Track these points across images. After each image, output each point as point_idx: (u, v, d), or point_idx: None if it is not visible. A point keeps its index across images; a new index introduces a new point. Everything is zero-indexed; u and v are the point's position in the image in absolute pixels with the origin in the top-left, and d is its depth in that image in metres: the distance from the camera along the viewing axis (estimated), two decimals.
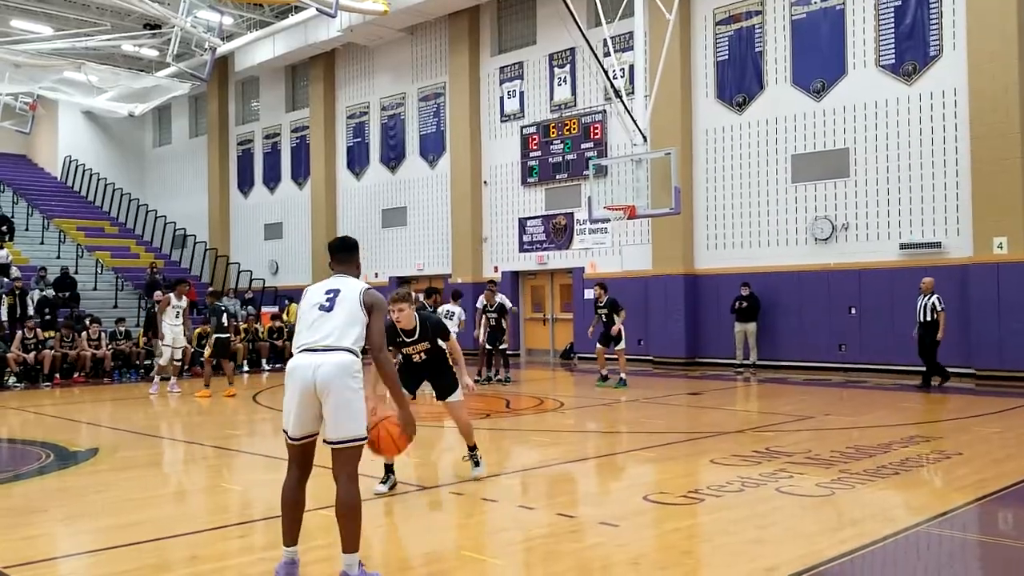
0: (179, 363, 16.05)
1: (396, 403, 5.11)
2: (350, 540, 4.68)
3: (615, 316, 15.24)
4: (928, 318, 14.23)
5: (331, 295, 4.83)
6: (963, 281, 15.57)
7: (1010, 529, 6.37)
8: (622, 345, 15.42)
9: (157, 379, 16.04)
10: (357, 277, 5.04)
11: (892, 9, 16.62)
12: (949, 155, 15.99)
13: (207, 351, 15.55)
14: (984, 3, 15.25)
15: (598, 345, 15.65)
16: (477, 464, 7.56)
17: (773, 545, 5.58)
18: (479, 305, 16.57)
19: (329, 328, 4.72)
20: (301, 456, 4.86)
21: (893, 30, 16.63)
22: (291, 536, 4.78)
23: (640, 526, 6.20)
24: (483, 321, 16.26)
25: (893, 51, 16.65)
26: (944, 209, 16.08)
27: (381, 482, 7.06)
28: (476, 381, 15.25)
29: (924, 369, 14.46)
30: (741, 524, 6.07)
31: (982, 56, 15.31)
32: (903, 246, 16.46)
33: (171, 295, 15.72)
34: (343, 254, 5.12)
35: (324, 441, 4.79)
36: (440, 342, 7.36)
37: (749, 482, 7.24)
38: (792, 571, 4.96)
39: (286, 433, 4.84)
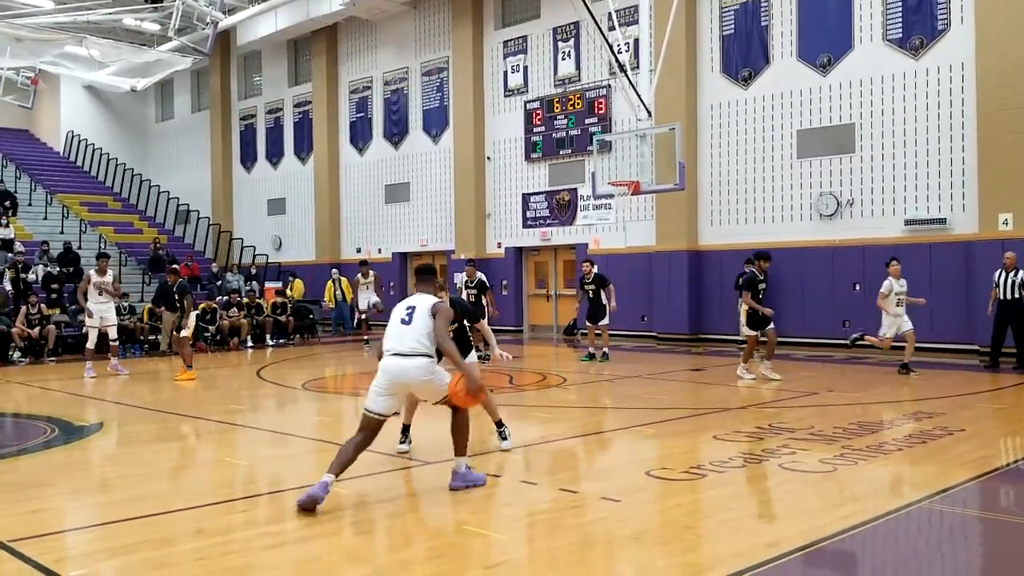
0: (115, 342, 15.29)
1: (460, 370, 6.20)
2: (460, 447, 6.41)
3: (602, 292, 15.47)
4: (1016, 295, 13.40)
5: (410, 310, 6.34)
6: (968, 257, 15.51)
7: (1011, 505, 6.39)
8: (606, 320, 15.61)
9: (89, 364, 14.63)
10: (434, 295, 6.55)
11: None
12: (955, 131, 15.90)
13: (188, 331, 14.46)
14: None
15: (587, 322, 15.84)
16: (505, 438, 7.96)
17: (775, 521, 5.61)
18: (458, 282, 16.63)
19: (409, 338, 6.23)
20: (374, 427, 6.26)
21: (900, 4, 16.47)
22: (336, 468, 6.06)
23: (642, 502, 6.22)
24: (465, 297, 16.26)
25: (900, 25, 16.50)
26: (950, 185, 16.00)
27: (400, 442, 7.84)
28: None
29: (990, 349, 13.87)
30: (743, 500, 6.10)
31: (990, 31, 15.17)
32: (908, 222, 16.40)
33: (92, 272, 14.84)
34: (424, 276, 6.73)
35: (433, 403, 6.42)
36: (467, 323, 8.12)
37: (751, 458, 7.27)
38: (794, 546, 4.98)
39: (369, 410, 6.23)
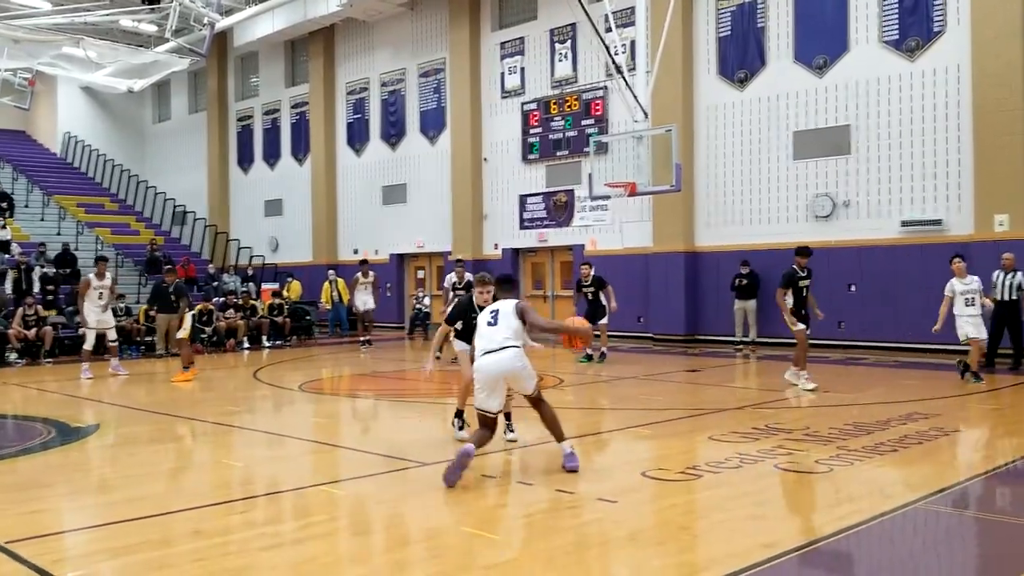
0: (115, 343, 15.31)
1: (566, 329, 7.37)
2: (558, 434, 7.10)
3: (600, 293, 15.55)
4: (1012, 296, 13.46)
5: (494, 313, 7.10)
6: (964, 258, 15.51)
7: (1007, 506, 6.41)
8: (605, 320, 15.66)
9: (86, 365, 14.59)
10: (516, 298, 7.31)
11: None
12: (951, 132, 15.94)
13: (185, 332, 14.40)
14: None
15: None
16: (511, 430, 8.32)
17: (771, 521, 5.62)
18: (448, 284, 16.63)
19: (498, 336, 6.94)
20: (491, 423, 6.96)
21: (896, 6, 16.51)
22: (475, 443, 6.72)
23: (638, 502, 6.24)
24: (453, 299, 16.23)
25: (896, 27, 16.54)
26: (946, 187, 16.04)
27: (458, 428, 8.43)
28: (438, 358, 15.50)
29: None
30: (739, 500, 6.12)
31: (986, 33, 15.22)
32: (904, 223, 16.44)
33: (91, 276, 14.82)
34: (505, 286, 7.54)
35: (524, 396, 7.08)
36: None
37: (747, 458, 7.29)
38: (790, 547, 5.00)
39: (481, 409, 6.93)
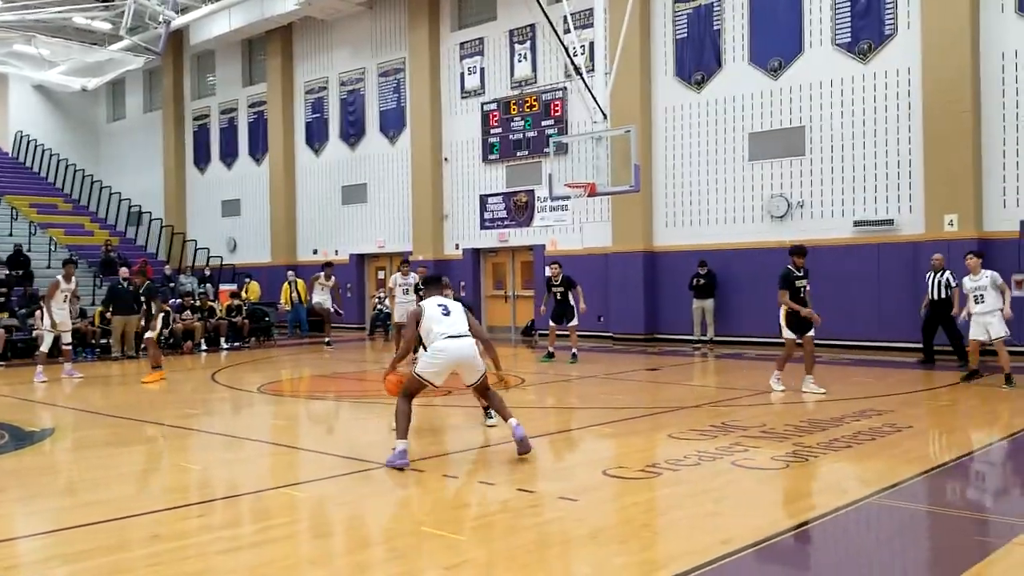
0: (70, 347, 15.12)
1: (487, 350, 7.74)
2: (504, 412, 7.54)
3: (569, 293, 15.57)
4: (942, 295, 13.75)
5: (442, 307, 7.53)
6: (915, 258, 15.85)
7: (958, 500, 6.56)
8: (575, 322, 15.71)
9: (40, 368, 14.24)
10: (450, 296, 8.03)
11: None
12: (903, 133, 16.24)
13: (154, 333, 14.40)
14: None
15: (551, 323, 15.92)
16: (490, 416, 8.86)
17: (729, 518, 5.70)
18: (395, 283, 16.65)
19: (460, 324, 7.43)
20: (418, 390, 7.40)
21: (849, 9, 16.79)
22: (403, 434, 7.25)
23: (599, 500, 6.29)
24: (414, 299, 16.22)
25: (849, 30, 16.82)
26: (897, 187, 16.35)
27: (487, 416, 8.89)
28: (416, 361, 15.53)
29: (922, 346, 14.47)
30: (698, 497, 6.19)
31: (936, 35, 15.54)
32: (857, 223, 16.72)
33: (59, 278, 14.69)
34: (433, 282, 8.07)
35: (468, 385, 7.62)
36: None
37: (706, 456, 7.38)
38: (747, 543, 5.07)
39: (420, 375, 7.30)
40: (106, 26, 26.16)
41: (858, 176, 16.78)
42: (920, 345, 14.58)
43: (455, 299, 8.08)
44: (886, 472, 6.86)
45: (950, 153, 15.36)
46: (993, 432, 9.00)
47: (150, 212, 30.04)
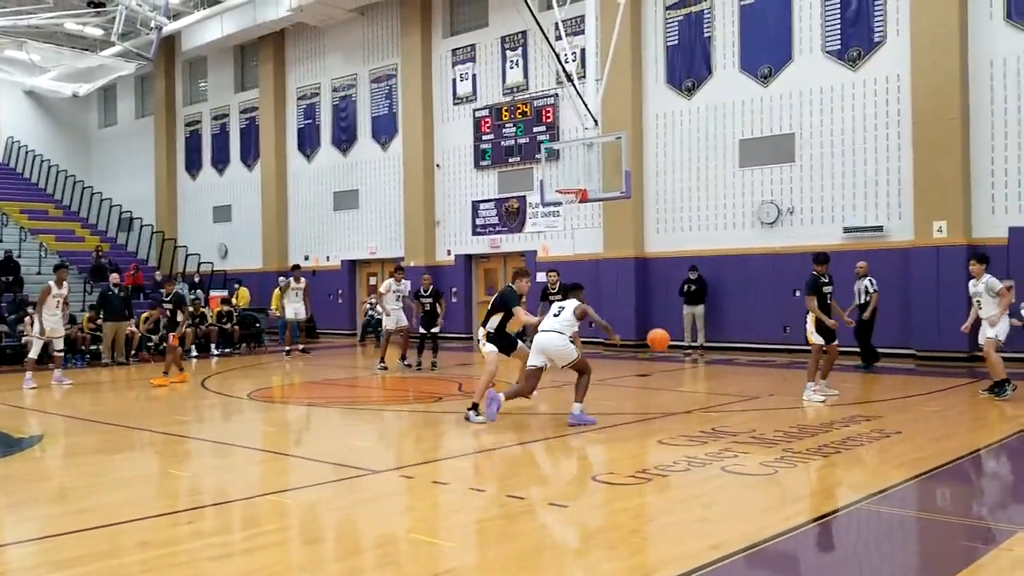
0: (60, 353, 15.00)
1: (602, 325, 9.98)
2: (580, 396, 9.54)
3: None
4: (862, 300, 14.54)
5: (560, 308, 9.76)
6: (904, 264, 15.94)
7: (947, 505, 6.59)
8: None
9: (29, 374, 14.29)
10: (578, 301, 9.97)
11: None
12: (892, 140, 16.34)
13: (176, 339, 14.96)
14: None
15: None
16: (478, 413, 9.64)
17: (718, 523, 5.72)
18: (386, 289, 16.49)
19: (552, 323, 9.57)
20: (535, 379, 9.68)
21: (839, 16, 16.90)
22: (512, 394, 9.76)
23: (589, 506, 6.31)
24: (417, 306, 16.15)
25: (839, 37, 16.92)
26: (887, 194, 16.43)
27: (474, 413, 9.62)
28: (408, 366, 15.62)
29: (859, 350, 14.74)
30: (687, 503, 6.21)
31: (925, 42, 15.64)
32: (847, 230, 16.80)
33: (51, 284, 14.48)
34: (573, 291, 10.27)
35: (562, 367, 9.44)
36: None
37: (695, 462, 7.40)
38: (736, 548, 5.09)
39: (532, 365, 9.53)
40: (98, 32, 26.12)
41: (848, 183, 16.86)
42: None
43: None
44: (875, 477, 6.90)
45: (939, 160, 15.44)
46: (981, 438, 9.04)
47: (141, 218, 29.99)
